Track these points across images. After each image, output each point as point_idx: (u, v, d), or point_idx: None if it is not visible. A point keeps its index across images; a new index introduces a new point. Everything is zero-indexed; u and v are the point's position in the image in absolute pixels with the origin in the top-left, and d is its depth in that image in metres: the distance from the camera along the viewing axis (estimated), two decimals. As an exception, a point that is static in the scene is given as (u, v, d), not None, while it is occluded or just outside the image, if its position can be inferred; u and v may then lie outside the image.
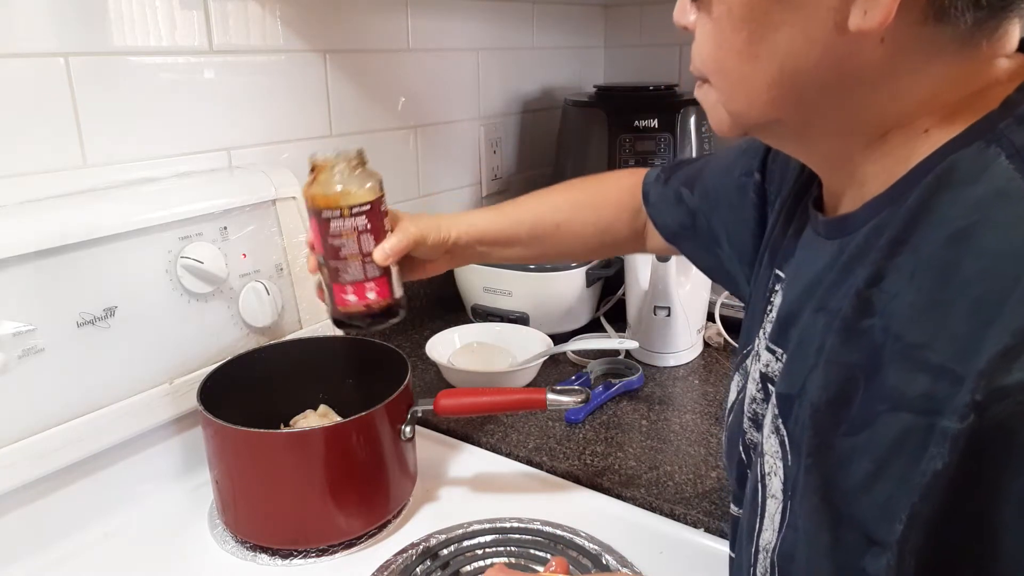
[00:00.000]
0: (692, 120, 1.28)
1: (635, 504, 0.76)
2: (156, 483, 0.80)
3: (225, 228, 0.83)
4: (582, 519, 0.73)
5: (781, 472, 0.44)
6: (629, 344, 1.03)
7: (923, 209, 0.38)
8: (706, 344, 1.14)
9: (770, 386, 0.50)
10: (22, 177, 0.75)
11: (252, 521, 0.72)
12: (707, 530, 0.72)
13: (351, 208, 0.64)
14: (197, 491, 0.80)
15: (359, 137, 1.11)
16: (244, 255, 0.84)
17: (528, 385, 1.01)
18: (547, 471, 0.83)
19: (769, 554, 0.45)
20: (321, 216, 0.64)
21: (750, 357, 0.56)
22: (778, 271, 0.54)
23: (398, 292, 0.68)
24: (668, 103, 1.29)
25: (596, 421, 0.92)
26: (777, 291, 0.53)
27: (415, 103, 1.19)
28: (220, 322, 0.82)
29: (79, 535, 0.73)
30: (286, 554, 0.71)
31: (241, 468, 0.71)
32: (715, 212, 0.68)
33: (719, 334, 1.15)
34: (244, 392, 0.78)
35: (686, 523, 0.74)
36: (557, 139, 1.40)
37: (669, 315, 1.04)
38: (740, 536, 0.51)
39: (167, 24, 0.84)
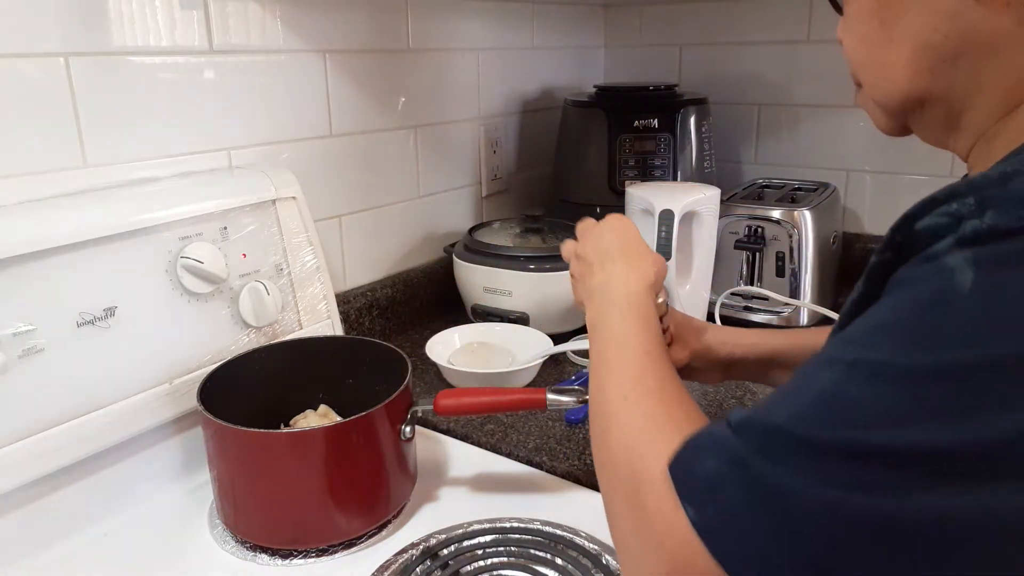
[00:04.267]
0: (692, 120, 1.28)
1: (635, 504, 0.76)
2: (156, 483, 0.80)
3: (225, 228, 0.83)
4: (582, 519, 0.73)
5: None
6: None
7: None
8: (706, 344, 1.14)
9: None
10: (22, 177, 0.75)
11: (252, 521, 0.72)
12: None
13: None
14: (197, 491, 0.80)
15: (359, 137, 1.11)
16: (244, 255, 0.84)
17: (528, 385, 1.01)
18: (547, 471, 0.83)
19: None
20: None
21: None
22: None
23: None
24: (668, 103, 1.29)
25: (596, 421, 0.92)
26: None
27: (415, 103, 1.19)
28: (220, 322, 0.82)
29: (79, 535, 0.73)
30: (286, 554, 0.71)
31: (241, 468, 0.71)
32: None
33: (719, 334, 1.15)
34: (244, 392, 0.78)
35: (686, 523, 0.74)
36: (557, 139, 1.40)
37: (669, 315, 1.04)
38: None
39: (167, 24, 0.84)
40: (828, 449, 0.35)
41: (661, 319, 0.74)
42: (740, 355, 0.76)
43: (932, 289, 0.36)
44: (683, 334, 0.76)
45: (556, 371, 1.06)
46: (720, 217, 1.11)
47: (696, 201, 1.06)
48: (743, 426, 0.39)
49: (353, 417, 0.69)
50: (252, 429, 0.68)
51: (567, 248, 0.73)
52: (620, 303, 0.61)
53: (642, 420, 0.49)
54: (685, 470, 0.41)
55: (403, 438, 0.74)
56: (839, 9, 0.51)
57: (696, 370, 0.78)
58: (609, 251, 0.67)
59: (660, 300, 0.74)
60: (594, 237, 0.70)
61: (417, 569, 0.68)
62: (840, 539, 0.35)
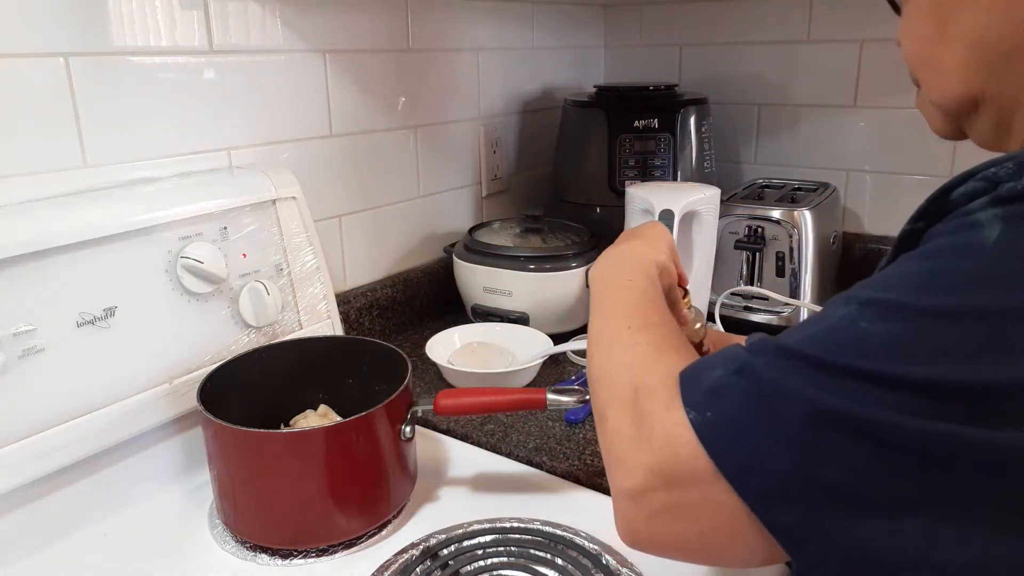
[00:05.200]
0: (692, 120, 1.28)
1: (635, 504, 0.76)
2: (156, 483, 0.80)
3: (225, 228, 0.83)
4: (582, 519, 0.73)
5: None
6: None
7: None
8: (706, 344, 1.14)
9: None
10: (22, 177, 0.75)
11: (252, 521, 0.72)
12: (707, 530, 0.72)
13: None
14: (197, 491, 0.80)
15: (359, 137, 1.11)
16: (244, 255, 0.84)
17: (528, 385, 1.01)
18: (547, 471, 0.83)
19: None
20: None
21: None
22: None
23: None
24: (668, 103, 1.29)
25: (596, 421, 0.92)
26: None
27: (415, 103, 1.19)
28: (220, 322, 0.82)
29: (79, 535, 0.73)
30: (286, 554, 0.71)
31: (241, 468, 0.71)
32: None
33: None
34: (244, 392, 0.78)
35: (686, 523, 0.74)
36: (557, 139, 1.40)
37: (669, 315, 1.04)
38: None
39: (167, 24, 0.84)
40: (831, 367, 0.37)
41: (701, 342, 0.76)
42: None
43: (958, 240, 0.37)
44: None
45: (556, 371, 1.06)
46: (720, 217, 1.11)
47: (696, 201, 1.06)
48: (755, 345, 0.42)
49: (353, 417, 0.69)
50: (252, 429, 0.68)
51: None
52: (632, 262, 0.64)
53: (644, 345, 0.51)
54: (692, 378, 0.44)
55: (403, 438, 0.74)
56: (897, 9, 0.52)
57: None
58: (632, 233, 0.72)
59: (698, 326, 0.79)
60: (628, 233, 0.74)
61: (417, 569, 0.68)
62: (831, 442, 0.37)
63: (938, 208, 0.40)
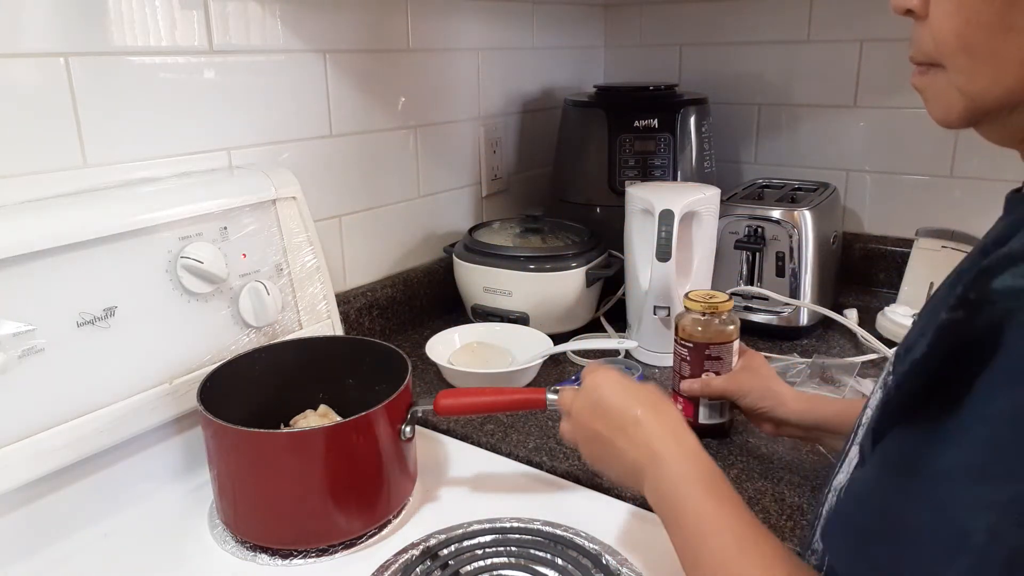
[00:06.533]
0: (692, 120, 1.28)
1: (635, 504, 0.76)
2: (156, 483, 0.80)
3: (225, 228, 0.83)
4: (582, 519, 0.73)
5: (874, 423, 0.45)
6: (629, 344, 1.03)
7: None
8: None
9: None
10: (22, 177, 0.75)
11: (252, 521, 0.72)
12: (707, 530, 0.72)
13: (679, 340, 0.88)
14: (197, 491, 0.80)
15: (359, 137, 1.11)
16: (244, 255, 0.84)
17: (528, 385, 1.01)
18: (547, 471, 0.83)
19: (837, 492, 0.47)
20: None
21: None
22: None
23: (704, 419, 0.87)
24: (668, 103, 1.29)
25: (596, 421, 0.92)
26: None
27: (415, 103, 1.19)
28: (220, 322, 0.82)
29: (79, 535, 0.73)
30: (286, 554, 0.71)
31: (241, 468, 0.71)
32: None
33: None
34: (244, 392, 0.78)
35: (686, 523, 0.74)
36: (557, 139, 1.40)
37: (669, 315, 1.04)
38: (823, 485, 0.54)
39: (167, 24, 0.84)
40: None
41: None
42: (790, 419, 0.79)
43: None
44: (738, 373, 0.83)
45: (556, 371, 1.06)
46: (720, 217, 1.11)
47: (696, 201, 1.06)
48: None
49: (352, 417, 0.69)
50: (251, 429, 0.68)
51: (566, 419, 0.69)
52: (680, 470, 0.55)
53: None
54: None
55: (403, 438, 0.74)
56: None
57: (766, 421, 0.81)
58: (621, 414, 0.61)
59: (731, 327, 0.85)
60: (590, 406, 0.64)
61: (417, 569, 0.68)
62: None
63: (979, 296, 0.36)
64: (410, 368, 0.77)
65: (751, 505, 0.74)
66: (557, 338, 1.06)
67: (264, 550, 0.71)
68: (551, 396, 0.73)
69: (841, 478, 0.49)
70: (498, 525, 0.73)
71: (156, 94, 0.85)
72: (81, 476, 0.73)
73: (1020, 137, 0.45)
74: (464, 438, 0.90)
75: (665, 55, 1.56)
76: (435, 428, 0.92)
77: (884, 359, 1.05)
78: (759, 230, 1.15)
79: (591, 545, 0.70)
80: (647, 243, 1.05)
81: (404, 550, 0.70)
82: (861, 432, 0.49)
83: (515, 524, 0.73)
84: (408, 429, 0.74)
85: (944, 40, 0.43)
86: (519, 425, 0.91)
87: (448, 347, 1.07)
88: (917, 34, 0.45)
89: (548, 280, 1.12)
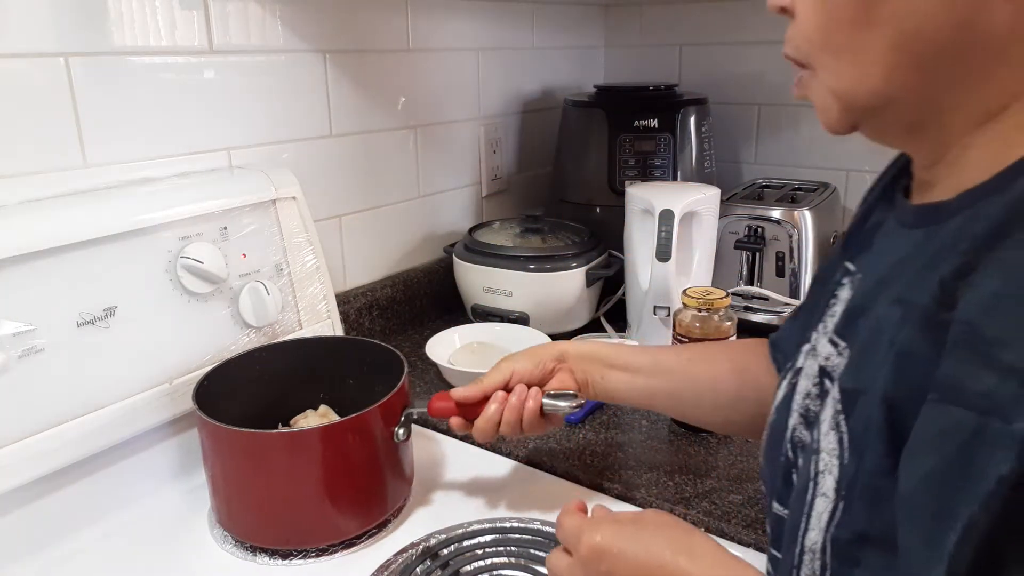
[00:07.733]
0: (692, 120, 1.28)
1: (635, 504, 0.76)
2: (156, 483, 0.80)
3: (225, 228, 0.83)
4: (582, 519, 0.73)
5: (836, 471, 0.42)
6: (629, 344, 1.03)
7: None
8: (706, 344, 1.14)
9: (828, 381, 0.47)
10: (22, 177, 0.75)
11: (248, 521, 0.72)
12: (707, 530, 0.72)
13: (677, 336, 0.90)
14: (197, 491, 0.80)
15: (359, 137, 1.11)
16: (244, 255, 0.84)
17: (528, 385, 1.01)
18: (547, 471, 0.83)
19: (817, 555, 0.43)
20: None
21: (803, 353, 0.53)
22: (848, 264, 0.52)
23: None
24: (668, 103, 1.29)
25: (596, 421, 0.92)
26: (844, 284, 0.51)
27: (415, 103, 1.19)
28: (220, 322, 0.82)
29: (78, 535, 0.73)
30: (286, 554, 0.71)
31: (235, 468, 0.71)
32: None
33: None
34: (244, 392, 0.78)
35: (686, 523, 0.74)
36: (557, 139, 1.40)
37: (669, 315, 1.04)
38: (784, 535, 0.48)
39: (167, 24, 0.84)
40: None
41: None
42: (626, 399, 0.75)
43: None
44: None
45: (556, 371, 1.06)
46: (720, 217, 1.11)
47: (696, 201, 1.06)
48: None
49: (345, 418, 0.70)
50: (245, 429, 0.68)
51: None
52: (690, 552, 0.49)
53: None
54: None
55: (396, 440, 0.73)
56: None
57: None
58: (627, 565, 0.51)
59: (727, 324, 0.85)
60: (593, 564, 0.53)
61: (417, 569, 0.68)
62: None
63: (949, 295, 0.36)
64: (406, 369, 0.77)
65: (751, 505, 0.74)
66: (557, 338, 1.06)
67: (264, 550, 0.71)
68: (547, 401, 0.72)
69: (815, 536, 0.44)
70: (498, 525, 0.73)
71: (156, 94, 0.85)
72: (81, 476, 0.73)
73: (898, 135, 0.45)
74: (464, 438, 0.90)
75: (665, 55, 1.56)
76: (435, 428, 0.92)
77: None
78: (759, 230, 1.15)
79: (591, 545, 0.70)
80: (647, 243, 1.05)
81: (404, 550, 0.70)
82: (826, 484, 0.43)
83: (515, 524, 0.73)
84: (401, 432, 0.74)
85: (806, 39, 0.43)
86: (519, 425, 0.91)
87: (448, 347, 1.07)
88: (790, 33, 0.46)
89: (548, 280, 1.12)
